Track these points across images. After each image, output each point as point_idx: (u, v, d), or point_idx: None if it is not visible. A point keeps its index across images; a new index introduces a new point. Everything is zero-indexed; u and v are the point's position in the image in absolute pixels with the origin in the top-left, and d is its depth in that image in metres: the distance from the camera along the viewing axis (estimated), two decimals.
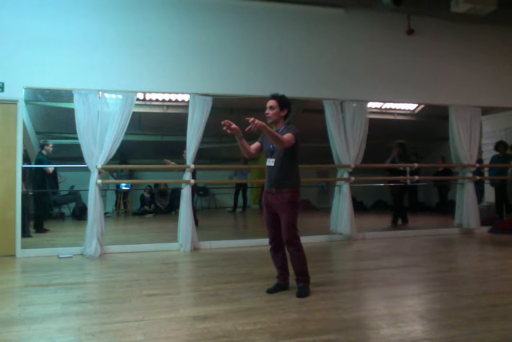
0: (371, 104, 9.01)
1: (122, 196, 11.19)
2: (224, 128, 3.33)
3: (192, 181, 5.88)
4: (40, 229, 7.30)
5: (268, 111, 3.53)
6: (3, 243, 5.29)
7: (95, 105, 5.47)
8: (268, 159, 3.59)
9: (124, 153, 9.83)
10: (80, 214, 9.25)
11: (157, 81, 5.82)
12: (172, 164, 6.66)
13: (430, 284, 3.91)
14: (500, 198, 7.76)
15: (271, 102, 3.52)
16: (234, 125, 3.34)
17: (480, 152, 8.43)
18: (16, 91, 5.34)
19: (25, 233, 6.17)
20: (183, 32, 5.96)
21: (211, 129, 6.22)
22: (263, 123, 3.24)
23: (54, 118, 8.93)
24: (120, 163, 10.00)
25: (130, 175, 10.96)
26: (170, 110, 9.55)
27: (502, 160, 7.79)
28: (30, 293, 3.76)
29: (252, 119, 3.21)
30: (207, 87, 5.91)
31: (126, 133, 5.64)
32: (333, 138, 6.41)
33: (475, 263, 5.04)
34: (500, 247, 5.88)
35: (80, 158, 5.61)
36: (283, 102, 3.52)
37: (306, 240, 4.55)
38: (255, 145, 3.69)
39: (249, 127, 3.23)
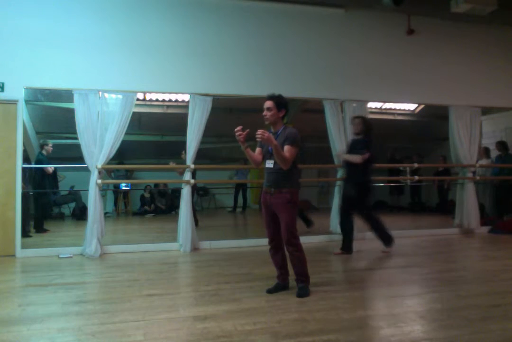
0: (371, 104, 9.00)
1: (122, 196, 11.20)
2: (237, 134, 3.36)
3: (192, 181, 5.88)
4: (40, 229, 7.30)
5: (265, 112, 3.50)
6: (3, 243, 5.29)
7: (95, 105, 5.47)
8: (267, 161, 3.58)
9: (124, 153, 9.83)
10: (80, 214, 9.24)
11: (157, 81, 5.81)
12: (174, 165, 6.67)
13: (430, 284, 3.91)
14: (502, 198, 7.75)
15: (268, 104, 3.49)
16: (243, 138, 3.38)
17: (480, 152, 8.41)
18: (16, 91, 5.33)
19: (25, 233, 6.17)
20: (183, 32, 5.95)
21: (211, 129, 6.22)
22: (275, 143, 3.28)
23: (54, 118, 8.93)
24: (118, 164, 9.99)
25: (127, 175, 10.93)
26: (170, 110, 9.55)
27: (503, 160, 7.79)
28: (30, 293, 3.76)
29: (261, 132, 3.22)
30: (207, 87, 5.91)
31: (126, 133, 5.64)
32: (333, 138, 6.41)
33: (475, 263, 5.04)
34: (500, 247, 5.88)
35: (80, 158, 5.61)
36: (280, 102, 3.49)
37: (306, 240, 4.57)
38: (258, 151, 3.67)
39: (257, 137, 3.25)
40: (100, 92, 5.52)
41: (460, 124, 6.98)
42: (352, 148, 5.40)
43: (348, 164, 5.41)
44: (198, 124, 5.80)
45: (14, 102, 5.35)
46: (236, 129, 3.37)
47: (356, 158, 5.20)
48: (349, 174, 5.44)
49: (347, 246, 5.34)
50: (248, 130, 3.39)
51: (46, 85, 5.60)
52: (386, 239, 5.36)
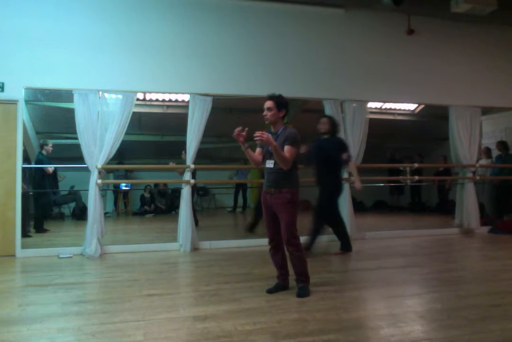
0: (371, 104, 8.99)
1: (122, 196, 11.19)
2: (235, 134, 3.37)
3: (192, 181, 5.88)
4: (40, 229, 7.30)
5: (266, 112, 3.50)
6: (3, 243, 5.29)
7: (95, 105, 5.47)
8: (267, 161, 3.58)
9: (124, 153, 9.83)
10: (80, 214, 9.25)
11: (157, 81, 5.82)
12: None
13: (430, 284, 3.91)
14: (502, 198, 7.75)
15: (268, 104, 3.49)
16: (242, 138, 3.39)
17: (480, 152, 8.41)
18: (16, 91, 5.34)
19: (25, 233, 6.16)
20: (183, 32, 5.95)
21: (211, 129, 6.21)
22: (275, 144, 3.28)
23: (54, 118, 8.93)
24: (117, 164, 9.98)
25: (126, 175, 10.91)
26: (170, 110, 9.55)
27: (503, 160, 7.79)
28: (30, 293, 3.76)
29: (260, 133, 3.22)
30: (207, 87, 5.91)
31: (126, 133, 5.64)
32: None
33: (475, 263, 5.04)
34: (500, 247, 5.88)
35: (80, 158, 5.61)
36: (280, 102, 3.49)
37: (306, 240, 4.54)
38: (258, 151, 3.67)
39: (256, 139, 3.24)
40: (100, 92, 5.52)
41: (460, 124, 6.98)
42: (326, 149, 5.13)
43: (324, 166, 5.18)
44: (198, 124, 5.80)
45: (14, 102, 5.35)
46: (236, 130, 3.37)
47: (355, 168, 5.21)
48: (325, 175, 5.22)
49: (345, 245, 5.34)
50: (247, 129, 3.39)
51: (46, 85, 5.60)
52: (311, 244, 5.15)
